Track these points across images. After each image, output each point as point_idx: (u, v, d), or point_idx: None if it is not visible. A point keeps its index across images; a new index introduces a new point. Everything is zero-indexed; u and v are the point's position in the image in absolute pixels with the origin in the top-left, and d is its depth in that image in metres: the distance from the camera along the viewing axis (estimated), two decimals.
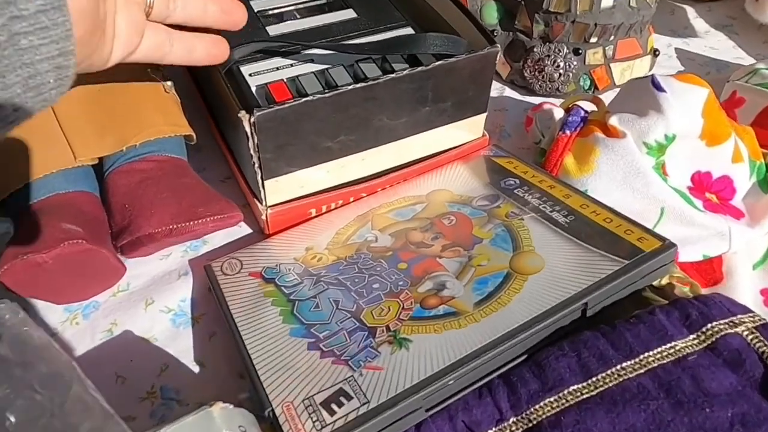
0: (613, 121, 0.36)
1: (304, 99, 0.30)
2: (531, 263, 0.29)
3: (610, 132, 0.36)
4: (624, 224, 0.31)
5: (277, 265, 0.33)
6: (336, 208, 0.37)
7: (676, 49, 0.53)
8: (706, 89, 0.36)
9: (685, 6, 0.58)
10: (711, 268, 0.35)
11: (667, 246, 0.29)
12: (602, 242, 0.30)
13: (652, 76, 0.36)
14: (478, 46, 0.37)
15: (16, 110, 0.18)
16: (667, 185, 0.36)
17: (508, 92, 0.48)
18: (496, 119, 0.45)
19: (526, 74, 0.47)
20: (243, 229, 0.38)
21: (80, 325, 0.33)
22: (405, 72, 0.33)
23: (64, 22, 0.18)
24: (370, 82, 0.32)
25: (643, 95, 0.36)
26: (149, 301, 0.34)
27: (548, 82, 0.46)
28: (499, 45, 0.35)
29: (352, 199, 0.37)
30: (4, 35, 0.17)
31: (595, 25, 0.43)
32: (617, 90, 0.46)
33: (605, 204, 0.33)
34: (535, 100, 0.47)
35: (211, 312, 0.33)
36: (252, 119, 0.30)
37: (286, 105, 0.30)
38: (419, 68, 0.33)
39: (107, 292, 0.34)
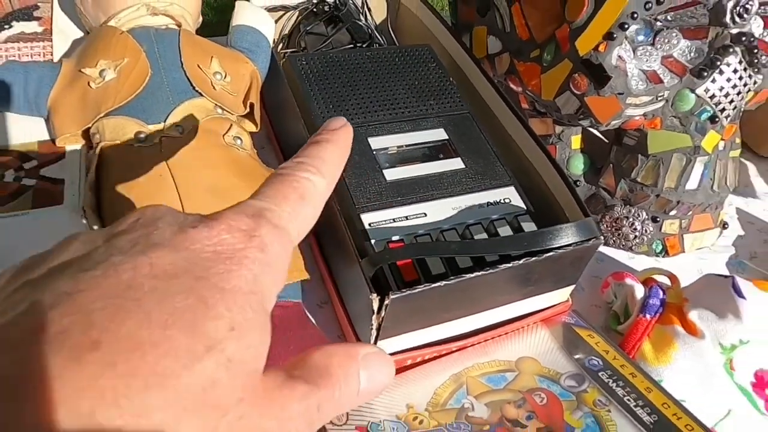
0: (693, 317, 0.40)
1: (433, 285, 0.33)
2: None
3: (688, 326, 0.40)
4: None
5: (381, 422, 0.35)
6: (429, 359, 0.40)
7: (737, 209, 0.56)
8: None
9: (748, 162, 0.61)
10: None
11: None
12: None
13: (733, 279, 0.40)
14: (573, 216, 0.41)
15: None
16: (734, 382, 0.39)
17: None
18: None
19: (602, 228, 0.50)
20: None
21: None
22: (521, 261, 0.36)
23: None
24: (490, 271, 0.35)
25: (723, 295, 0.40)
26: None
27: (623, 240, 0.49)
28: (602, 238, 0.38)
29: (444, 353, 0.40)
30: None
31: (678, 202, 0.46)
32: (685, 256, 0.50)
33: (683, 405, 0.36)
34: (607, 250, 0.51)
35: None
36: (386, 302, 0.33)
37: (417, 290, 0.33)
38: (534, 258, 0.36)
39: None
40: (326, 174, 0.21)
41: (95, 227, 0.36)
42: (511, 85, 0.51)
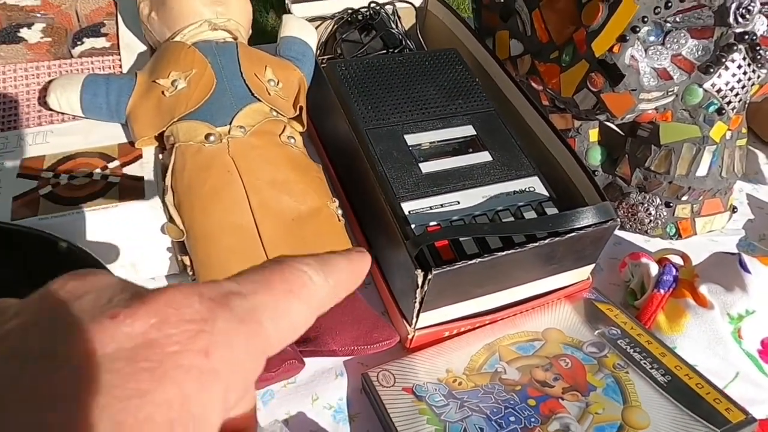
0: (703, 290, 0.44)
1: (470, 262, 0.38)
2: (639, 419, 0.37)
3: (699, 299, 0.44)
4: (713, 392, 0.38)
5: (425, 384, 0.40)
6: (465, 332, 0.44)
7: (747, 195, 0.60)
8: None
9: (757, 150, 0.65)
10: None
11: (750, 420, 0.36)
12: (698, 408, 0.37)
13: (740, 255, 0.44)
14: (592, 202, 0.45)
15: None
16: (742, 349, 0.43)
17: None
18: None
19: (619, 213, 0.54)
20: None
21: (261, 411, 0.41)
22: (546, 241, 0.40)
23: None
24: (519, 250, 0.40)
25: (730, 270, 0.44)
26: (314, 397, 0.41)
27: (638, 225, 0.53)
28: (619, 221, 0.43)
29: (477, 325, 0.45)
30: None
31: (689, 188, 0.51)
32: (697, 238, 0.54)
33: (694, 368, 0.40)
34: (624, 234, 0.55)
35: (364, 413, 0.41)
36: (429, 277, 0.38)
37: (456, 266, 0.38)
38: (557, 238, 0.41)
39: (281, 383, 0.42)
40: (330, 276, 0.16)
41: (175, 218, 0.41)
42: (533, 84, 0.56)
